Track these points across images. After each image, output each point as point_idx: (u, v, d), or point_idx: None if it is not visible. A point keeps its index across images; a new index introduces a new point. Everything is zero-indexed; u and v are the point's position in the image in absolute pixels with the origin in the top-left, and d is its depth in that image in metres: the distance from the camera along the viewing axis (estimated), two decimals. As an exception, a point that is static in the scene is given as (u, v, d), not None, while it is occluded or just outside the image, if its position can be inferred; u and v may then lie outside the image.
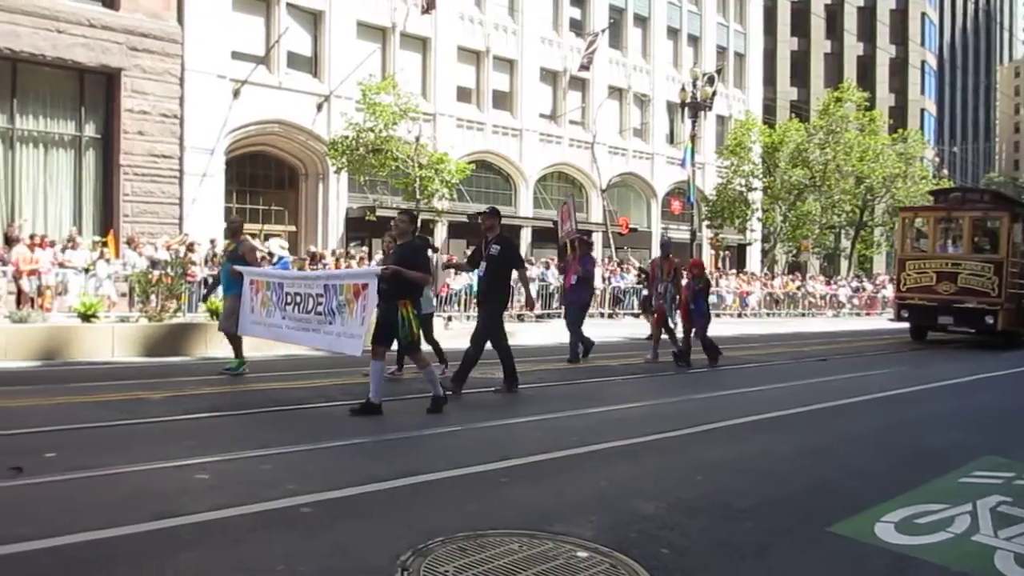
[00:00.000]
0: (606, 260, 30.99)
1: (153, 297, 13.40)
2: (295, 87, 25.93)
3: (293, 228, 27.40)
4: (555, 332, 19.36)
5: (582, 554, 3.94)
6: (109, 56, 21.40)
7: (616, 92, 36.59)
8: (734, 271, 37.14)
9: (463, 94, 31.09)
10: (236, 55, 24.34)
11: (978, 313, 17.79)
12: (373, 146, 23.71)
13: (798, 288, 35.97)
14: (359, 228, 27.27)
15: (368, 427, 7.13)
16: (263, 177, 27.08)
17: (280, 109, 25.49)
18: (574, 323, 13.29)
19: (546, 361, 12.85)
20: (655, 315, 13.78)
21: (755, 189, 39.38)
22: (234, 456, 5.82)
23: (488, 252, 9.12)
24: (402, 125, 23.89)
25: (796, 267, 46.40)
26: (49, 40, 20.47)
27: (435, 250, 11.56)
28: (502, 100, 32.49)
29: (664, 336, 13.38)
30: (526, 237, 32.97)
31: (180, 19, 22.84)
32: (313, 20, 26.78)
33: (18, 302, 15.76)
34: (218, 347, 12.80)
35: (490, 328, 9.12)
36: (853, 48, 60.21)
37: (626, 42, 37.25)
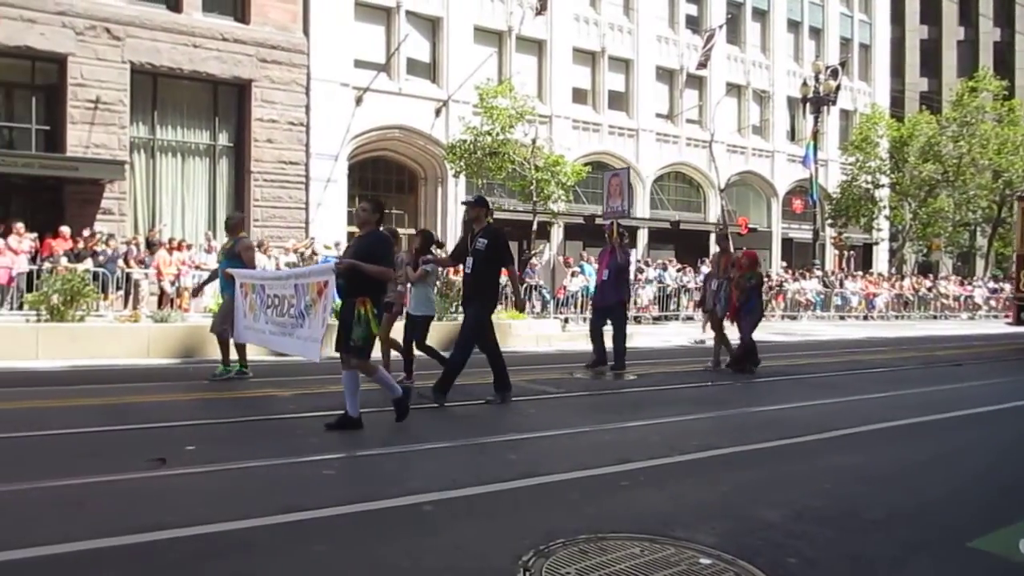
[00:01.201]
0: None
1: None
2: (414, 93, 26.49)
3: (413, 231, 27.97)
4: (672, 334, 19.13)
5: (705, 561, 3.87)
6: (240, 68, 22.44)
7: (734, 89, 35.79)
8: (859, 272, 35.76)
9: (579, 95, 31.05)
10: (358, 63, 25.04)
11: None
12: (490, 149, 23.96)
13: (929, 289, 34.29)
14: (476, 230, 27.55)
15: (488, 427, 7.23)
16: (384, 181, 27.75)
17: (400, 115, 26.08)
18: (620, 325, 11.66)
19: (663, 364, 12.70)
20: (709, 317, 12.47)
21: (882, 186, 37.74)
22: (358, 453, 6.00)
23: (474, 246, 8.21)
24: (518, 128, 24.05)
25: (927, 267, 44.23)
26: (186, 55, 21.62)
27: (440, 245, 10.68)
28: (618, 100, 32.27)
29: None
30: (643, 238, 32.64)
31: (306, 30, 23.72)
32: (431, 27, 27.29)
33: (159, 303, 16.70)
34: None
35: (477, 331, 8.27)
36: (989, 34, 56.93)
37: (744, 37, 36.39)
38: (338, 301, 6.99)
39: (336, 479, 5.31)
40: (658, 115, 33.38)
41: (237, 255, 9.51)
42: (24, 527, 4.15)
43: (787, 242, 38.21)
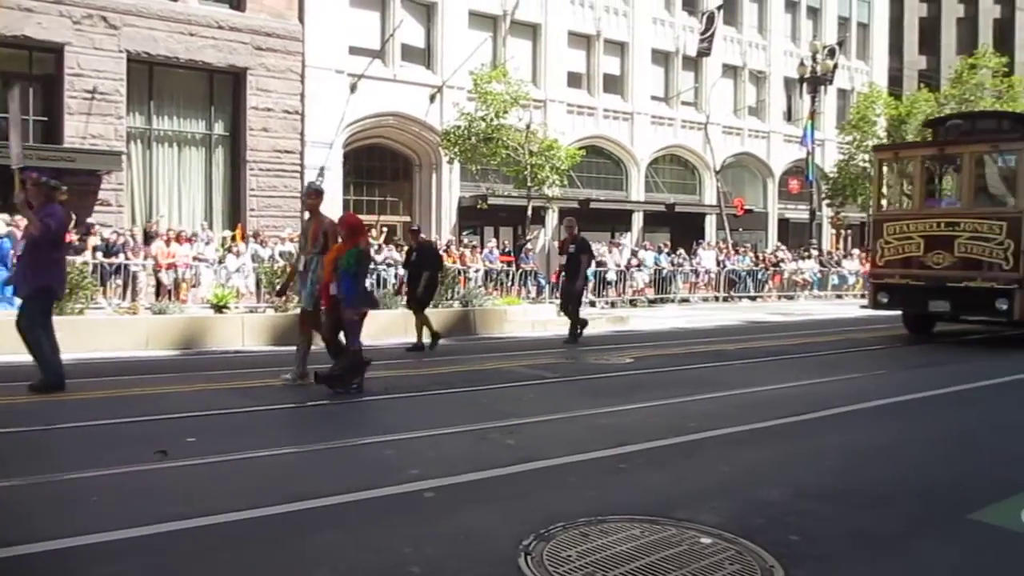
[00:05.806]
0: (720, 243, 30.38)
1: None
2: (409, 79, 26.34)
3: (407, 218, 27.89)
4: (668, 316, 19.13)
5: (706, 540, 3.88)
6: (236, 56, 22.31)
7: (730, 70, 35.64)
8: (856, 250, 35.73)
9: (573, 79, 30.89)
10: (353, 50, 24.88)
11: (983, 295, 12.72)
12: (484, 135, 23.87)
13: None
14: (471, 217, 27.52)
15: (486, 413, 7.23)
16: (379, 169, 27.64)
17: (395, 101, 25.94)
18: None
19: (658, 347, 12.69)
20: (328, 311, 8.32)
21: (880, 164, 37.55)
22: (358, 441, 6.00)
23: None
24: (513, 113, 23.94)
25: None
26: (183, 43, 21.48)
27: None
28: (613, 84, 32.11)
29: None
30: (638, 222, 32.59)
31: (301, 17, 23.55)
32: (426, 12, 27.11)
33: (157, 294, 16.68)
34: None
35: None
36: (989, 11, 56.55)
37: (741, 18, 36.17)
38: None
39: (336, 467, 5.32)
40: (653, 98, 33.22)
41: None
42: (27, 522, 4.15)
43: (783, 222, 38.16)
